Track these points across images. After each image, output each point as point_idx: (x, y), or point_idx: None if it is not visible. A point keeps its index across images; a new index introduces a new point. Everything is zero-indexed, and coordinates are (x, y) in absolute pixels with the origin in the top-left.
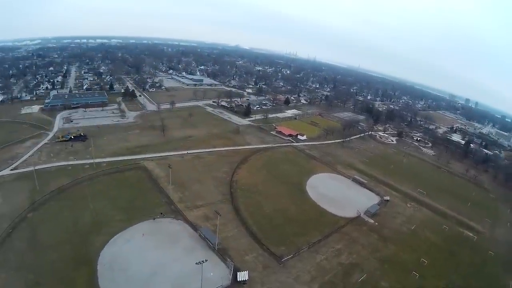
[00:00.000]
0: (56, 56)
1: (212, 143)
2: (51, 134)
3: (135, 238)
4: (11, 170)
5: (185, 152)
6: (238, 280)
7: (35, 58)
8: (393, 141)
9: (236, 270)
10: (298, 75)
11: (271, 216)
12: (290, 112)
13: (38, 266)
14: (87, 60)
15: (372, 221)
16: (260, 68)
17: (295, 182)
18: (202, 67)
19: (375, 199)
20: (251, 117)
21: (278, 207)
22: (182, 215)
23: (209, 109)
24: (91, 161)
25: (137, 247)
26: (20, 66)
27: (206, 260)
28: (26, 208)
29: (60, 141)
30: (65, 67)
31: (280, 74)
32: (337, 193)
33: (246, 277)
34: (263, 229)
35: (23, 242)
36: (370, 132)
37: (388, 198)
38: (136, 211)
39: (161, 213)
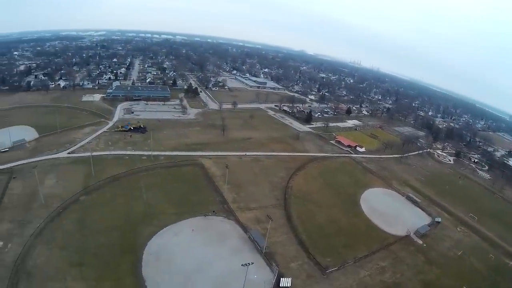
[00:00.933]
0: (120, 48)
1: (271, 147)
2: (110, 123)
3: (184, 232)
4: (68, 153)
5: (244, 153)
6: (280, 286)
7: (99, 48)
8: (450, 160)
9: (280, 276)
10: (361, 85)
11: (321, 226)
12: (351, 122)
13: (84, 247)
14: (151, 55)
15: (420, 242)
16: (324, 75)
17: (350, 194)
18: (266, 70)
19: (426, 220)
20: (312, 124)
21: (330, 217)
22: (234, 215)
23: (271, 112)
24: (149, 153)
25: (185, 241)
26: (84, 55)
27: (252, 263)
28: (79, 191)
29: (119, 130)
30: (129, 60)
31: (343, 82)
32: (390, 210)
33: (289, 284)
34: (312, 238)
35: (72, 223)
36: (428, 150)
37: (439, 220)
38: (188, 206)
39: (214, 211)
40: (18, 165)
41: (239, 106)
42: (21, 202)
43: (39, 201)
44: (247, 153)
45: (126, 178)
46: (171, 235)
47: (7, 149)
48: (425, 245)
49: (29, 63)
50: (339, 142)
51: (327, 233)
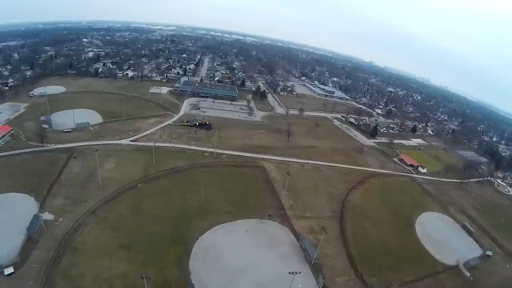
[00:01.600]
0: (190, 44)
1: (333, 158)
2: (176, 117)
3: (237, 232)
4: (131, 141)
5: (306, 161)
6: None
7: (169, 43)
8: (510, 192)
9: None
10: (428, 103)
11: (373, 244)
12: (415, 141)
13: (135, 232)
14: (221, 54)
15: (468, 274)
16: (392, 90)
17: (405, 215)
18: (334, 79)
19: (477, 252)
20: (377, 139)
21: (382, 236)
22: (289, 222)
23: (337, 123)
24: (212, 150)
25: (237, 241)
26: (153, 48)
27: (299, 272)
28: (138, 178)
29: (184, 125)
30: (198, 57)
31: (410, 98)
32: (443, 236)
33: None
34: (362, 255)
35: (127, 207)
36: (489, 178)
37: (490, 254)
38: (245, 208)
39: (269, 215)
40: (80, 146)
41: (306, 113)
42: (78, 181)
43: (96, 182)
44: (309, 162)
45: (186, 171)
46: (223, 233)
47: (70, 129)
48: (472, 278)
49: (98, 51)
50: (401, 160)
51: (378, 251)
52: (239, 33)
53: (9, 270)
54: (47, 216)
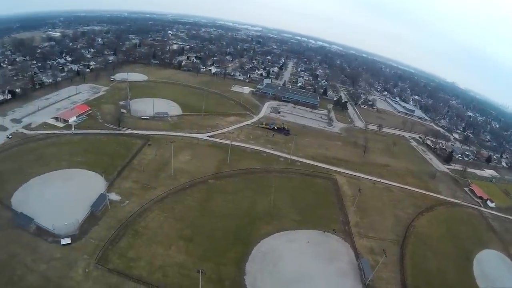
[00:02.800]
0: (275, 47)
1: (405, 180)
2: (255, 118)
3: (299, 241)
4: (208, 136)
5: (378, 180)
6: None
7: (254, 43)
8: None
9: None
10: (505, 133)
11: (430, 274)
12: (488, 172)
13: (199, 226)
14: (305, 59)
15: None
16: (471, 114)
17: (466, 249)
18: (416, 97)
19: None
20: (451, 165)
21: (440, 267)
22: (351, 239)
23: (413, 143)
24: (287, 156)
25: (297, 250)
26: (238, 47)
27: None
28: (210, 174)
29: (263, 127)
30: (283, 60)
31: (489, 126)
32: (498, 278)
33: None
34: (417, 284)
35: (195, 201)
36: None
37: None
38: (311, 218)
39: (334, 230)
40: (156, 134)
41: (384, 129)
42: (150, 168)
43: (168, 172)
44: (382, 180)
45: (259, 174)
46: (285, 240)
47: (148, 117)
48: None
49: (182, 44)
50: (472, 190)
51: (433, 283)
52: (324, 40)
53: (66, 240)
54: (114, 196)
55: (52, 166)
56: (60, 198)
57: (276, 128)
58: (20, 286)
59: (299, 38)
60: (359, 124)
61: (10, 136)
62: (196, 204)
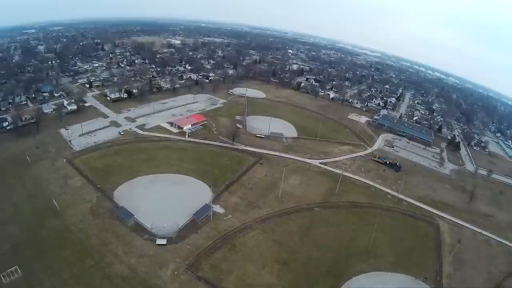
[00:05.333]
0: (393, 76)
1: (507, 235)
2: (368, 150)
3: (389, 285)
4: (320, 163)
5: (480, 231)
6: None
7: (373, 70)
8: None
9: None
10: None
11: None
12: None
13: (295, 252)
14: (422, 91)
15: None
16: None
17: None
18: None
19: None
20: None
21: None
22: None
23: None
24: (395, 194)
25: None
26: (357, 73)
27: None
28: (316, 202)
29: (375, 160)
30: (400, 91)
31: None
32: None
33: None
34: None
35: (297, 226)
36: None
37: None
38: (406, 262)
39: (425, 278)
40: (269, 154)
41: (494, 175)
42: (258, 186)
43: (276, 193)
44: (483, 232)
45: (364, 209)
46: (377, 281)
47: (263, 136)
48: None
49: (302, 65)
50: None
51: None
52: (441, 71)
53: (162, 241)
54: (218, 209)
55: (161, 169)
56: (164, 201)
57: (388, 162)
58: (105, 272)
59: (417, 67)
60: (470, 167)
61: (122, 133)
62: (298, 229)
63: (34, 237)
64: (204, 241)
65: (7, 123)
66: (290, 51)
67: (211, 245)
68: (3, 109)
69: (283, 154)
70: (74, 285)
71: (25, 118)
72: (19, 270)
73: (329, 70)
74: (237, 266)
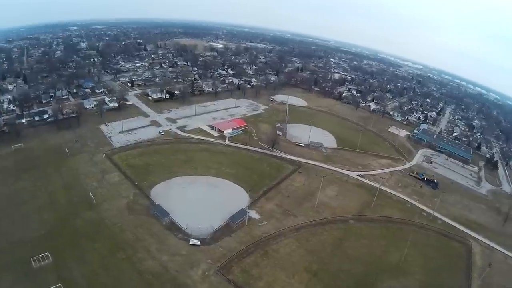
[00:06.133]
0: (434, 89)
1: None
2: (407, 165)
3: None
4: (358, 175)
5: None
6: None
7: (414, 82)
8: None
9: None
10: None
11: None
12: None
13: (327, 263)
14: (462, 106)
15: None
16: None
17: None
18: None
19: None
20: None
21: None
22: None
23: None
24: (431, 211)
25: None
26: (399, 85)
27: None
28: (352, 214)
29: (413, 176)
30: (441, 105)
31: None
32: None
33: None
34: None
35: (330, 237)
36: None
37: None
38: (435, 282)
39: None
40: (308, 163)
41: None
42: (295, 195)
43: (312, 203)
44: None
45: (398, 225)
46: None
47: (303, 145)
48: None
49: (344, 75)
50: None
51: None
52: (482, 86)
53: (195, 241)
54: (254, 214)
55: (199, 171)
56: (200, 202)
57: (425, 179)
58: (136, 267)
59: (458, 81)
60: (507, 188)
61: (162, 133)
62: (331, 241)
63: (68, 226)
64: (237, 245)
65: (47, 116)
66: (332, 59)
67: (243, 249)
68: (44, 101)
69: (321, 164)
70: (104, 276)
71: (66, 112)
72: (50, 257)
73: (371, 80)
74: (267, 272)
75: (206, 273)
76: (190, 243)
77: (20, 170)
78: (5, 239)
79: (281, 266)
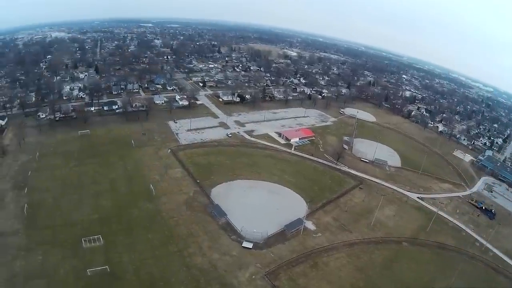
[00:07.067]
0: (503, 114)
1: None
2: (468, 191)
3: None
4: (418, 197)
5: None
6: None
7: (483, 106)
8: None
9: None
10: None
11: None
12: None
13: (373, 282)
14: None
15: None
16: None
17: None
18: None
19: None
20: None
21: None
22: None
23: None
24: (484, 242)
25: None
26: (468, 107)
27: None
28: (406, 236)
29: (471, 203)
30: (508, 132)
31: None
32: None
33: None
34: None
35: (381, 257)
36: None
37: None
38: None
39: None
40: (370, 180)
41: None
42: (353, 211)
43: (369, 221)
44: None
45: (450, 252)
46: None
47: (367, 161)
48: None
49: (415, 92)
50: None
51: None
52: None
53: (248, 244)
54: (310, 225)
55: (262, 176)
56: (258, 207)
57: (484, 208)
58: (185, 261)
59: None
60: None
61: (230, 135)
62: (381, 261)
63: (125, 214)
64: (289, 253)
65: (116, 106)
66: (404, 76)
67: (294, 258)
68: (114, 93)
69: (383, 182)
70: (152, 266)
71: (135, 105)
72: (101, 239)
73: (441, 101)
74: (313, 284)
75: (253, 277)
76: (242, 245)
77: (84, 155)
78: (61, 218)
79: (328, 280)
